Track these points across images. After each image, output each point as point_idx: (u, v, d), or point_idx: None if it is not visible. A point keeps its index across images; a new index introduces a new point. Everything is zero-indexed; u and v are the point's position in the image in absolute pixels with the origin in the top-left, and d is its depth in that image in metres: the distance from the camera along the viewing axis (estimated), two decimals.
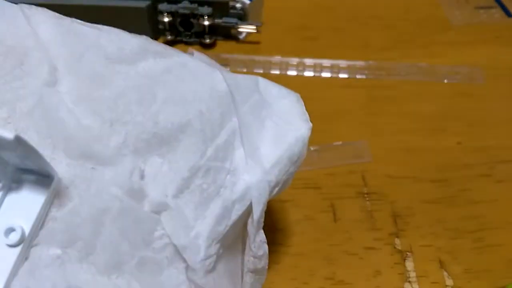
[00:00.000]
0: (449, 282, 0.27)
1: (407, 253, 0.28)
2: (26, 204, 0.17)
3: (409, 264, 0.28)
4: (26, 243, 0.17)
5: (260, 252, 0.21)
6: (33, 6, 0.21)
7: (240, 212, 0.20)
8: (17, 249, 0.16)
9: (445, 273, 0.27)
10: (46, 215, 0.17)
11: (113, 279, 0.18)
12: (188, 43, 0.40)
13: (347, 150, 0.33)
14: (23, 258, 0.17)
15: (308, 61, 0.38)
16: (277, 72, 0.38)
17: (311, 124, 0.22)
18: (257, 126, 0.21)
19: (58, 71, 0.20)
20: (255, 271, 0.21)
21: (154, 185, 0.19)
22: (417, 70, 0.38)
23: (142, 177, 0.19)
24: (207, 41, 0.39)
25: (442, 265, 0.28)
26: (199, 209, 0.19)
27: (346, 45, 0.40)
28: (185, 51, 0.23)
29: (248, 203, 0.20)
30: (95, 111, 0.19)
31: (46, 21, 0.21)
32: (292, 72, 0.38)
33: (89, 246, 0.17)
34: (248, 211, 0.20)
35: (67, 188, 0.18)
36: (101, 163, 0.18)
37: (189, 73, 0.21)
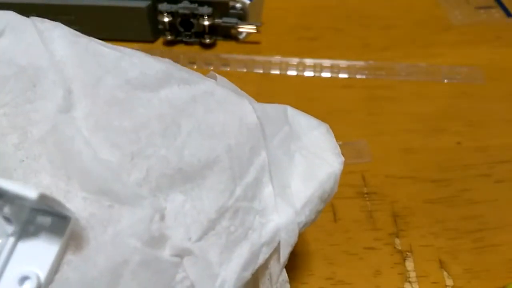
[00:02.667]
0: (449, 282, 0.27)
1: (407, 253, 0.28)
2: (41, 248, 0.16)
3: (409, 264, 0.28)
4: None
5: None
6: (47, 21, 0.19)
7: (267, 255, 0.19)
8: None
9: (445, 273, 0.27)
10: (63, 258, 0.16)
11: None
12: (188, 43, 0.40)
13: (347, 150, 0.33)
14: None
15: (308, 61, 0.38)
16: (277, 72, 0.38)
17: (343, 159, 0.21)
18: (287, 161, 0.20)
19: (73, 94, 0.18)
20: None
21: (175, 227, 0.17)
22: (417, 70, 0.38)
23: (163, 217, 0.17)
24: (207, 41, 0.39)
25: (442, 265, 0.28)
26: (225, 254, 0.18)
27: (346, 45, 0.40)
28: (204, 73, 0.21)
29: (276, 245, 0.19)
30: (114, 143, 0.17)
31: (61, 38, 0.19)
32: (292, 72, 0.38)
33: None
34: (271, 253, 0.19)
35: (83, 229, 0.16)
36: (119, 201, 0.16)
37: (217, 103, 0.19)
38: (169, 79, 0.19)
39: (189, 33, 0.39)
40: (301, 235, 0.29)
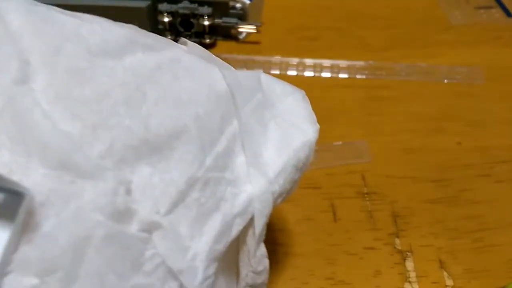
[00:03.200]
0: (449, 282, 0.27)
1: (407, 253, 0.28)
2: None
3: (409, 264, 0.28)
4: None
5: (260, 267, 0.19)
6: None
7: (241, 227, 0.18)
8: None
9: (445, 273, 0.27)
10: (20, 237, 0.15)
11: None
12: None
13: (347, 150, 0.33)
14: None
15: (308, 61, 0.38)
16: (277, 72, 0.38)
17: (318, 126, 0.20)
18: (260, 129, 0.19)
19: (31, 65, 0.17)
20: (253, 286, 0.20)
21: (143, 200, 0.16)
22: (417, 70, 0.38)
23: (128, 191, 0.16)
24: (207, 41, 0.39)
25: (442, 265, 0.28)
26: (196, 226, 0.17)
27: (346, 45, 0.40)
28: (176, 40, 0.21)
29: (250, 216, 0.18)
30: (75, 114, 0.16)
31: (17, 8, 0.18)
32: (292, 72, 0.38)
33: (71, 276, 0.15)
34: (250, 223, 0.19)
35: (42, 205, 0.15)
36: (82, 176, 0.16)
37: (184, 70, 0.18)
38: (133, 45, 0.18)
39: (189, 33, 0.39)
40: (301, 235, 0.29)
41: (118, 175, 0.16)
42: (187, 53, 0.19)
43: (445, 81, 0.38)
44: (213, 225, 0.17)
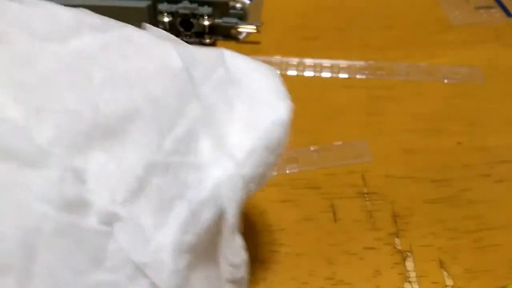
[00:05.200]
0: (449, 282, 0.27)
1: (407, 253, 0.28)
2: None
3: (409, 264, 0.28)
4: None
5: (238, 260, 0.18)
6: None
7: (210, 216, 0.17)
8: None
9: (445, 273, 0.27)
10: None
11: None
12: (188, 43, 0.40)
13: (347, 150, 0.33)
14: None
15: (308, 61, 0.38)
16: (277, 72, 0.38)
17: (290, 103, 0.18)
18: (224, 108, 0.18)
19: None
20: (234, 282, 0.18)
21: (99, 190, 0.15)
22: (417, 70, 0.38)
23: (81, 179, 0.15)
24: (207, 41, 0.39)
25: (442, 265, 0.28)
26: (159, 216, 0.16)
27: (346, 45, 0.40)
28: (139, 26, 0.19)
29: (219, 203, 0.17)
30: (17, 99, 0.15)
31: None
32: (292, 72, 0.38)
33: (24, 276, 0.14)
34: (222, 211, 0.17)
35: None
36: (27, 164, 0.14)
37: (134, 49, 0.17)
38: (79, 27, 0.17)
39: (189, 33, 0.39)
40: (301, 235, 0.29)
41: (66, 161, 0.15)
42: (138, 31, 0.18)
43: (445, 81, 0.38)
44: (178, 213, 0.16)
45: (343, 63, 0.38)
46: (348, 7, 0.43)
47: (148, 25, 0.19)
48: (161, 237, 0.16)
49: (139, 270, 0.15)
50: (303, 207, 0.30)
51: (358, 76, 0.38)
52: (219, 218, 0.17)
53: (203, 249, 0.17)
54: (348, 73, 0.38)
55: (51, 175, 0.14)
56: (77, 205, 0.15)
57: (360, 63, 0.38)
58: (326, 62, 0.38)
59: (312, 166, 0.32)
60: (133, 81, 0.17)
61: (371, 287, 0.27)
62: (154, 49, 0.17)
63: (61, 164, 0.15)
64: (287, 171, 0.31)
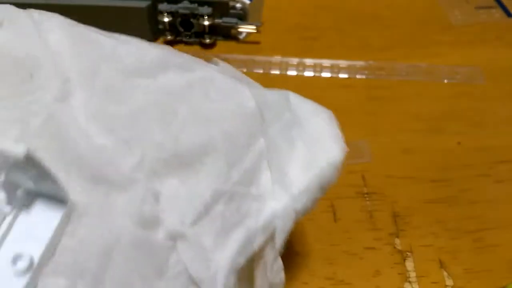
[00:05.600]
0: (449, 282, 0.27)
1: (407, 253, 0.28)
2: (37, 230, 0.16)
3: (409, 264, 0.28)
4: (35, 272, 0.15)
5: (277, 280, 0.20)
6: (44, 12, 0.19)
7: (262, 242, 0.18)
8: (25, 279, 0.15)
9: (445, 273, 0.27)
10: (58, 243, 0.16)
11: None
12: (188, 43, 0.40)
13: (347, 150, 0.33)
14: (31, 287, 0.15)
15: (308, 61, 0.38)
16: (277, 72, 0.38)
17: (345, 147, 0.20)
18: (287, 147, 0.20)
19: (70, 83, 0.18)
20: None
21: (170, 211, 0.17)
22: (417, 70, 0.38)
23: (157, 200, 0.17)
24: (207, 41, 0.39)
25: (442, 265, 0.28)
26: (220, 239, 0.17)
27: (346, 45, 0.40)
28: (208, 60, 0.21)
29: (272, 231, 0.19)
30: (110, 129, 0.17)
31: (58, 28, 0.19)
32: (292, 72, 0.38)
33: (97, 280, 0.16)
34: (271, 238, 0.19)
35: (80, 216, 0.16)
36: (115, 188, 0.17)
37: (214, 89, 0.19)
38: (166, 65, 0.19)
39: (189, 33, 0.39)
40: (301, 235, 0.29)
41: (146, 184, 0.17)
42: (218, 72, 0.20)
43: (445, 81, 0.38)
44: (236, 238, 0.18)
45: (343, 63, 0.38)
46: (348, 7, 0.43)
47: (221, 62, 0.21)
48: (219, 258, 0.17)
49: (191, 280, 0.17)
50: None
51: (358, 76, 0.38)
52: (266, 244, 0.19)
53: (245, 270, 0.19)
54: (348, 73, 0.38)
55: (135, 196, 0.17)
56: (151, 222, 0.17)
57: (360, 63, 0.38)
58: (326, 62, 0.38)
59: None
60: (212, 119, 0.19)
61: (371, 287, 0.27)
62: (232, 90, 0.20)
63: (144, 188, 0.17)
64: None
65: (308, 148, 0.20)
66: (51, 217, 0.16)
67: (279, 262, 0.19)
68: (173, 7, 0.37)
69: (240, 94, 0.19)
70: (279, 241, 0.19)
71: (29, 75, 0.18)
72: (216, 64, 0.21)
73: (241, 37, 0.40)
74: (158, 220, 0.17)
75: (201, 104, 0.19)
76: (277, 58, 0.38)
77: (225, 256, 0.17)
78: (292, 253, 0.28)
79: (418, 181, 0.31)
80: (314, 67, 0.38)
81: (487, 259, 0.28)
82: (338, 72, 0.38)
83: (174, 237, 0.17)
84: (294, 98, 0.21)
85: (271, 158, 0.19)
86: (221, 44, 0.40)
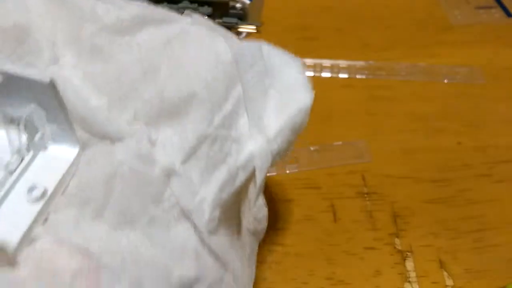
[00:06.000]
0: (449, 282, 0.27)
1: (407, 253, 0.28)
2: (51, 168, 0.18)
3: (409, 264, 0.28)
4: (47, 201, 0.17)
5: (260, 215, 0.22)
6: None
7: (243, 179, 0.20)
8: (38, 206, 0.17)
9: (445, 273, 0.27)
10: (69, 178, 0.18)
11: (125, 234, 0.18)
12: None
13: (347, 150, 0.33)
14: (43, 214, 0.17)
15: (308, 61, 0.38)
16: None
17: (313, 93, 0.22)
18: (261, 95, 0.21)
19: (58, 47, 0.19)
20: (255, 233, 0.22)
21: (164, 153, 0.19)
22: (417, 70, 0.38)
23: (153, 144, 0.19)
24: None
25: (442, 265, 0.28)
26: (205, 175, 0.20)
27: (346, 45, 0.40)
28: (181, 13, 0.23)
29: (251, 170, 0.21)
30: (101, 90, 0.19)
31: None
32: None
33: (101, 206, 0.18)
34: (251, 177, 0.21)
35: (88, 163, 0.18)
36: (116, 140, 0.19)
37: (192, 42, 0.21)
38: (145, 21, 0.20)
39: None
40: (301, 235, 0.29)
41: (142, 134, 0.19)
42: (193, 24, 0.22)
43: (445, 81, 0.38)
44: (219, 175, 0.20)
45: (343, 63, 0.38)
46: (348, 7, 0.43)
47: (194, 14, 0.22)
48: (205, 192, 0.19)
49: (184, 214, 0.19)
50: (303, 207, 0.30)
51: (358, 76, 0.38)
52: (247, 182, 0.21)
53: (229, 208, 0.21)
54: (348, 73, 0.38)
55: (131, 142, 0.19)
56: (147, 159, 0.19)
57: (360, 63, 0.38)
58: (326, 62, 0.38)
59: (312, 166, 0.32)
60: (192, 71, 0.20)
61: (371, 287, 0.27)
62: (208, 42, 0.21)
63: (138, 136, 0.19)
64: (287, 171, 0.31)
65: (280, 95, 0.22)
66: (63, 159, 0.18)
67: (261, 199, 0.22)
68: (173, 7, 0.37)
69: (217, 45, 0.21)
70: (259, 180, 0.21)
71: (19, 42, 0.19)
72: (190, 16, 0.22)
73: (241, 37, 0.40)
74: (154, 159, 0.19)
75: (180, 58, 0.20)
76: None
77: (210, 191, 0.19)
78: (292, 253, 0.28)
79: (418, 181, 0.31)
80: (314, 67, 0.38)
81: (487, 259, 0.28)
82: (338, 72, 0.38)
83: (168, 173, 0.19)
84: (267, 48, 0.22)
85: (248, 105, 0.21)
86: None
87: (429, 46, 0.40)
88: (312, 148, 0.32)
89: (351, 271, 0.27)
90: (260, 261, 0.27)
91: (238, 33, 0.40)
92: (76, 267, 0.16)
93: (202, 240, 0.19)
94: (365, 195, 0.31)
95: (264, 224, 0.22)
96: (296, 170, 0.32)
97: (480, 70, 0.38)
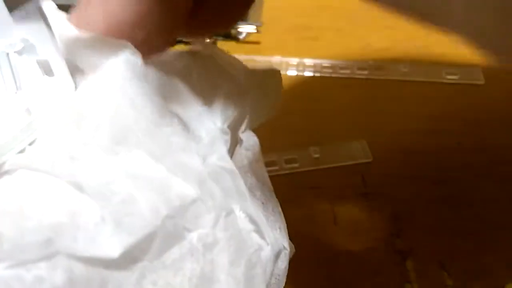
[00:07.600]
0: (449, 282, 0.27)
1: (407, 253, 0.28)
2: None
3: (409, 264, 0.28)
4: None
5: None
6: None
7: None
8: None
9: (445, 273, 0.27)
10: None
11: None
12: (188, 43, 0.40)
13: (347, 150, 0.33)
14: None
15: (308, 61, 0.38)
16: None
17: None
18: None
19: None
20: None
21: None
22: (417, 70, 0.38)
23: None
24: (207, 41, 0.39)
25: (442, 265, 0.28)
26: None
27: (346, 45, 0.40)
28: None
29: None
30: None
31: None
32: (292, 72, 0.38)
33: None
34: None
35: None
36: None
37: None
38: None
39: None
40: (301, 236, 0.29)
41: None
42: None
43: (445, 81, 0.38)
44: None
45: (343, 63, 0.38)
46: (348, 7, 0.43)
47: None
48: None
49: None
50: (303, 207, 0.30)
51: (358, 76, 0.38)
52: None
53: None
54: (348, 73, 0.38)
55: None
56: None
57: (360, 63, 0.38)
58: (326, 62, 0.38)
59: (312, 166, 0.32)
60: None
61: (371, 287, 0.27)
62: None
63: None
64: (287, 171, 0.31)
65: None
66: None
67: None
68: None
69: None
70: None
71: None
72: None
73: (241, 37, 0.40)
74: None
75: None
76: (277, 58, 0.38)
77: None
78: (291, 253, 0.28)
79: (418, 181, 0.31)
80: (314, 67, 0.38)
81: (487, 259, 0.28)
82: (338, 72, 0.38)
83: None
84: None
85: None
86: (221, 44, 0.40)
87: (429, 46, 0.40)
88: (312, 148, 0.32)
89: (351, 271, 0.27)
90: None
91: (238, 33, 0.40)
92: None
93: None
94: (365, 195, 0.31)
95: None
96: (296, 170, 0.32)
97: (480, 70, 0.38)
